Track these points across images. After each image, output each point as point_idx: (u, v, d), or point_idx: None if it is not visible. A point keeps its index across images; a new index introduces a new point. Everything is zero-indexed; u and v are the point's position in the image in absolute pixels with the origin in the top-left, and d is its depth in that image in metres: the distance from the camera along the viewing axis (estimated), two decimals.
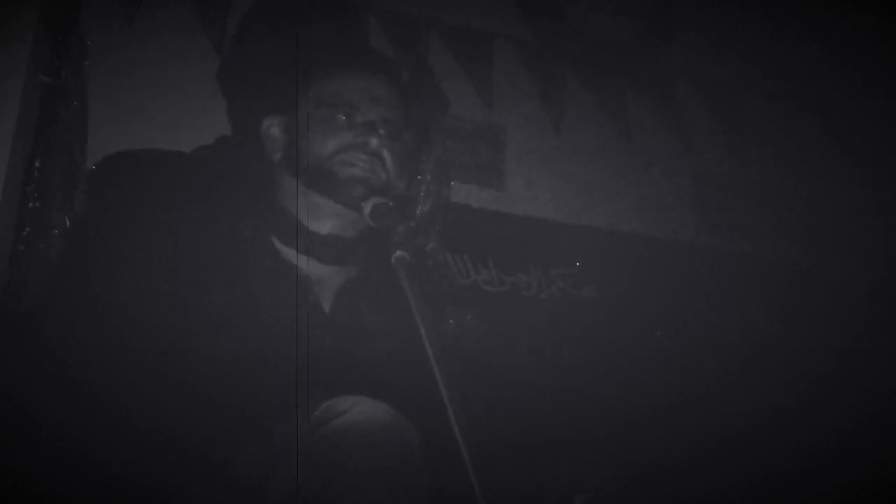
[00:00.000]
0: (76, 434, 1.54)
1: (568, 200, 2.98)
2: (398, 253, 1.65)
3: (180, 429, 1.58)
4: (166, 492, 1.54)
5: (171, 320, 1.70)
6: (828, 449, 2.83)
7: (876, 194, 3.36)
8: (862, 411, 2.95)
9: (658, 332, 2.86)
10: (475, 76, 2.84)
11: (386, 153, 1.88)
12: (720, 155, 3.21)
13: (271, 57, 2.06)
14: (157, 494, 1.53)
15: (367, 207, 1.80)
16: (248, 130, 2.01)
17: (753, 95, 3.25)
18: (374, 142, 1.86)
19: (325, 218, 1.89)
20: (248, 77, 2.13)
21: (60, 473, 1.52)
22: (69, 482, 1.51)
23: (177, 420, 1.59)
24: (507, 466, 1.61)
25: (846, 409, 2.93)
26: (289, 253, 1.86)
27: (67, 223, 2.16)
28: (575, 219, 2.95)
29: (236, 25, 2.50)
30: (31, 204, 2.14)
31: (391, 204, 1.81)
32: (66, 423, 1.54)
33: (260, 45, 2.20)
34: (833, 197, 3.35)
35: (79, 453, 1.53)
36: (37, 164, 2.16)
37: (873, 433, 2.92)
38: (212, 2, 2.55)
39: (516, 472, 1.70)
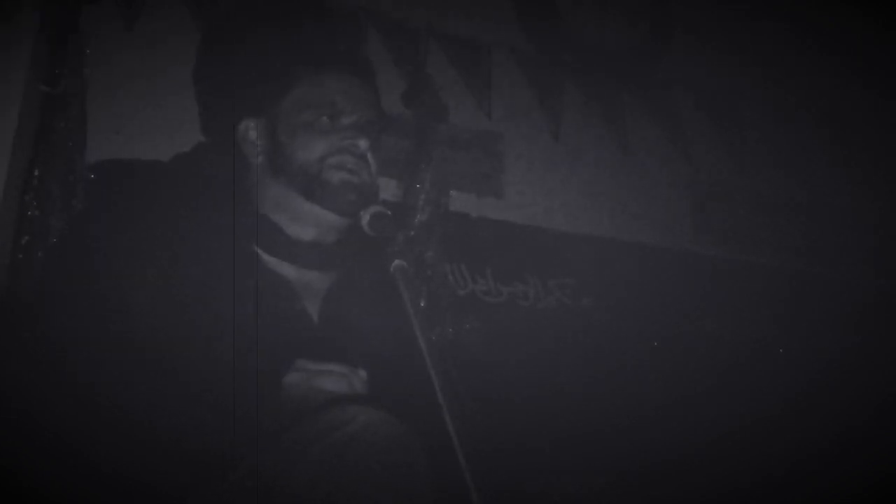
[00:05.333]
0: (80, 437, 1.54)
1: (566, 209, 2.98)
2: (397, 262, 1.65)
3: (186, 433, 1.58)
4: (173, 496, 1.54)
5: (172, 325, 1.70)
6: (824, 453, 2.84)
7: (876, 202, 3.37)
8: (859, 417, 2.95)
9: (655, 342, 2.87)
10: (474, 85, 2.84)
11: (370, 156, 1.87)
12: (719, 163, 3.21)
13: (246, 60, 2.03)
14: (163, 498, 1.53)
15: (365, 216, 1.79)
16: (223, 135, 1.98)
17: (752, 104, 3.26)
18: (362, 144, 1.85)
19: (307, 224, 1.88)
20: (223, 81, 2.09)
21: (67, 477, 1.52)
22: (78, 486, 1.51)
23: (182, 424, 1.59)
24: (506, 473, 1.61)
25: (843, 415, 2.94)
26: (272, 261, 1.85)
27: (66, 232, 2.16)
28: (573, 227, 2.96)
29: (213, 27, 2.49)
30: (30, 212, 2.14)
31: (390, 213, 1.80)
32: (68, 427, 1.55)
33: (235, 48, 2.17)
34: (832, 205, 3.35)
35: (85, 457, 1.53)
36: (36, 173, 2.17)
37: (869, 438, 2.93)
38: (210, 10, 2.56)
39: (515, 479, 1.70)
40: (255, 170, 1.89)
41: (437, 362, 1.50)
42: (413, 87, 2.64)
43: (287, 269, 1.84)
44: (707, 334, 3.00)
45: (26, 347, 1.67)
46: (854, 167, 3.36)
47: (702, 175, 3.20)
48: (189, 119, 2.44)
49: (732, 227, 3.20)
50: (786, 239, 3.27)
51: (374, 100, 1.94)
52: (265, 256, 1.84)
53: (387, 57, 2.69)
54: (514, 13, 3.04)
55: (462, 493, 1.39)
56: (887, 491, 2.75)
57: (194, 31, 2.53)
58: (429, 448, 1.47)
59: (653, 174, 3.13)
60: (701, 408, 2.75)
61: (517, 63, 2.96)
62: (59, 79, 2.21)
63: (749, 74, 3.29)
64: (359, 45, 2.61)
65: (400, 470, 1.43)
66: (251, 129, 1.90)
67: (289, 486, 1.44)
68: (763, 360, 3.03)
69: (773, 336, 3.09)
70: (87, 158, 2.23)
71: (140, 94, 2.48)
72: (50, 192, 2.15)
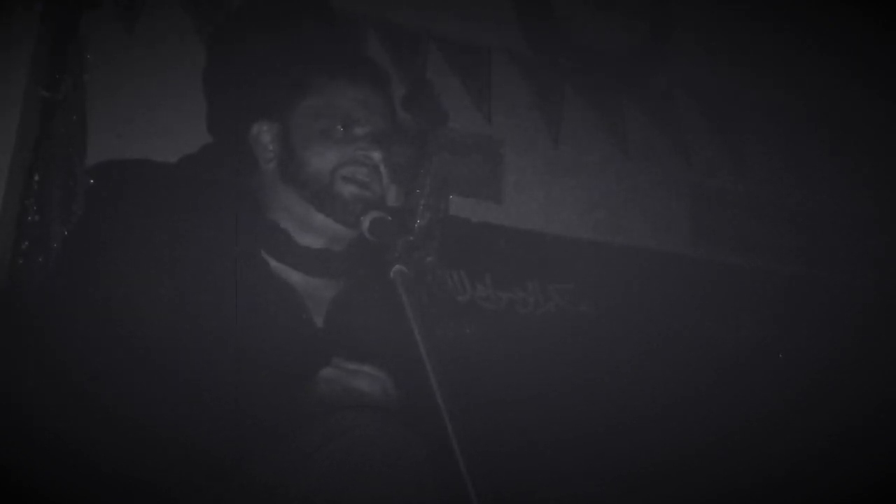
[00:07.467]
0: (81, 439, 1.55)
1: (566, 213, 2.98)
2: (397, 267, 1.66)
3: (187, 436, 1.59)
4: (173, 498, 1.55)
5: (175, 329, 1.70)
6: (824, 454, 2.84)
7: (876, 205, 3.37)
8: (858, 419, 2.96)
9: (655, 346, 2.87)
10: (473, 89, 2.84)
11: (382, 167, 1.88)
12: (718, 167, 3.21)
13: (260, 62, 2.03)
14: (163, 500, 1.54)
15: (365, 221, 1.80)
16: (232, 136, 1.98)
17: (752, 107, 3.25)
18: (376, 156, 1.85)
19: (316, 234, 1.88)
20: (235, 82, 2.09)
21: (67, 477, 1.53)
22: (78, 486, 1.52)
23: (183, 427, 1.59)
24: (506, 476, 1.61)
25: (843, 417, 2.95)
26: (280, 268, 1.85)
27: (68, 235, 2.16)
28: (573, 232, 2.96)
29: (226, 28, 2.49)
30: (30, 218, 2.14)
31: (390, 218, 1.80)
32: (70, 428, 1.55)
33: (248, 49, 2.17)
34: (832, 208, 3.35)
35: (86, 458, 1.54)
36: (36, 178, 2.16)
37: (869, 439, 2.94)
38: (211, 13, 2.56)
39: (515, 482, 1.71)
40: (267, 175, 1.90)
41: (437, 367, 1.51)
42: (413, 92, 2.64)
43: (293, 276, 1.85)
44: (706, 338, 3.00)
45: (27, 352, 1.67)
46: (854, 169, 3.36)
47: (701, 178, 3.19)
48: (190, 121, 2.45)
49: (732, 230, 3.20)
50: (786, 242, 3.27)
51: (387, 110, 1.95)
52: (272, 262, 1.84)
53: (386, 60, 2.68)
54: (514, 14, 3.03)
55: (463, 498, 1.39)
56: (887, 491, 2.76)
57: (194, 33, 2.53)
58: (430, 453, 1.48)
59: (652, 177, 3.13)
60: (701, 411, 2.75)
61: (517, 67, 2.96)
62: (60, 84, 2.21)
63: (749, 75, 3.29)
64: (361, 50, 2.61)
65: (403, 474, 1.44)
66: (264, 132, 1.91)
67: (292, 489, 1.45)
68: (762, 364, 3.03)
69: (773, 339, 3.09)
70: (88, 163, 2.23)
71: (141, 98, 2.48)
72: (50, 198, 2.15)
